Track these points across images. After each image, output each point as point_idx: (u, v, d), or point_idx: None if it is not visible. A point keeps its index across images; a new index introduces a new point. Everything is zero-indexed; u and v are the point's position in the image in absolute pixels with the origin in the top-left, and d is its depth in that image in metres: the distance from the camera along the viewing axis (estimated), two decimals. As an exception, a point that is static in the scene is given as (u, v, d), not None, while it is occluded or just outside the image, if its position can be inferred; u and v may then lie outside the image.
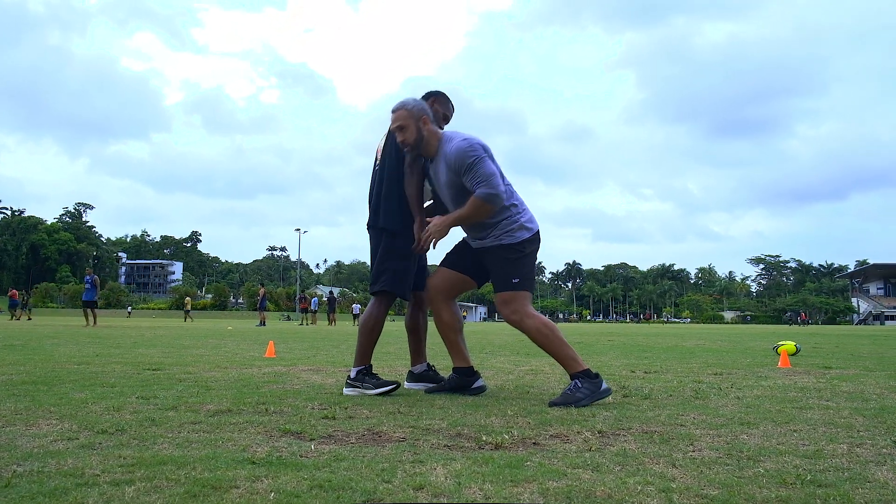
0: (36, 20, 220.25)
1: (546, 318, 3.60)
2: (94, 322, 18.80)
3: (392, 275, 3.68)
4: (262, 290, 28.58)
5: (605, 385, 3.41)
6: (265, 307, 26.87)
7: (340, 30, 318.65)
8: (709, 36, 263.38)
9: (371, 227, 3.81)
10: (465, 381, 3.78)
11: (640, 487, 1.72)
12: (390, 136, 3.74)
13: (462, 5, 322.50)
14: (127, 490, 1.64)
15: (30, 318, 29.87)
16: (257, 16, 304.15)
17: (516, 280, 3.54)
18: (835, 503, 1.60)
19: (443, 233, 3.54)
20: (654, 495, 1.65)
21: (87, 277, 19.66)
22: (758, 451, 2.20)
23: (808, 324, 68.44)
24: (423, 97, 3.97)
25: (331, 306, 32.40)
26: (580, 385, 3.35)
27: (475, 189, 3.42)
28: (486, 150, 3.46)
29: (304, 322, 30.88)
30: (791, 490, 1.72)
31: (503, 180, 3.55)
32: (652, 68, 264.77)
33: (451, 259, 3.84)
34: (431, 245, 3.59)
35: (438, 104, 3.94)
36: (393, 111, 3.60)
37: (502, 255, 3.56)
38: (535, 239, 3.63)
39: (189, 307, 42.37)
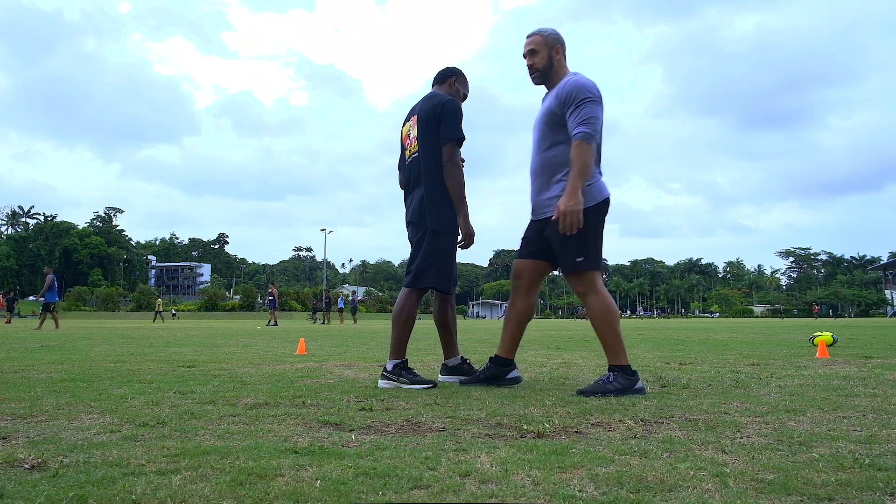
0: (72, 28, 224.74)
1: (613, 303, 3.44)
2: (56, 325, 16.84)
3: (438, 271, 3.70)
4: (272, 289, 27.44)
5: (640, 384, 3.33)
6: (275, 306, 25.93)
7: (368, 30, 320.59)
8: (738, 27, 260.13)
9: (413, 223, 3.81)
10: (499, 370, 3.69)
11: (692, 473, 1.67)
12: (421, 125, 3.73)
13: (489, 4, 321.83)
14: (173, 479, 1.64)
15: (8, 322, 24.61)
16: (286, 18, 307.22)
17: (581, 259, 3.37)
18: (898, 487, 1.54)
19: (576, 201, 3.23)
20: (707, 480, 1.61)
21: (53, 276, 17.40)
22: (809, 437, 2.14)
23: (819, 316, 67.16)
24: (443, 75, 3.99)
25: (353, 307, 32.77)
26: (613, 378, 3.28)
27: (574, 129, 3.27)
28: (602, 100, 3.34)
29: (324, 320, 30.95)
30: (850, 474, 1.66)
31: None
32: (679, 62, 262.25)
33: (525, 248, 3.69)
34: (579, 222, 3.26)
35: (459, 84, 3.98)
36: (528, 36, 3.54)
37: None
38: (600, 208, 3.42)
39: (160, 308, 39.54)
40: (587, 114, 3.27)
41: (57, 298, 17.93)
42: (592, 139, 3.26)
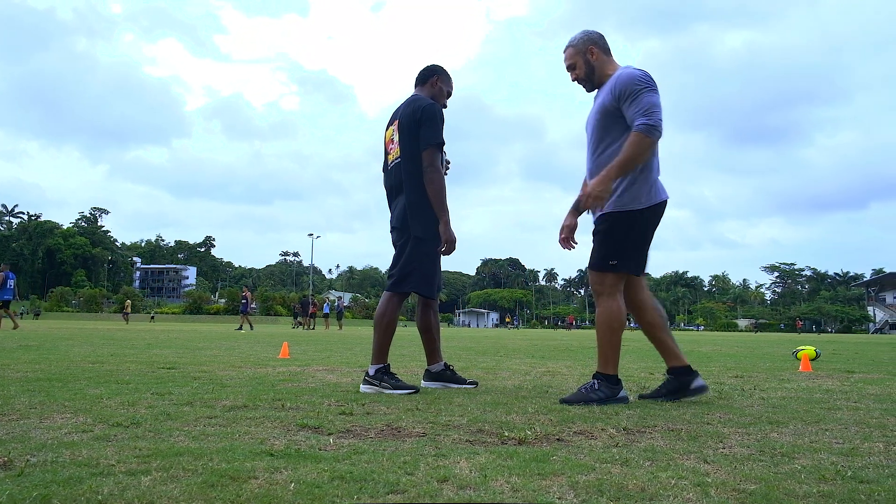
0: (64, 27, 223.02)
1: (622, 311, 3.28)
2: (15, 325, 16.27)
3: (420, 276, 3.68)
4: (246, 293, 26.66)
5: (623, 393, 3.28)
6: (248, 310, 24.99)
7: (362, 37, 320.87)
8: (728, 44, 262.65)
9: (396, 228, 3.78)
10: (683, 381, 3.39)
11: (673, 482, 1.65)
12: (402, 130, 3.71)
13: (481, 13, 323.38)
14: (143, 479, 1.59)
15: None
16: (279, 23, 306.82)
17: (614, 262, 3.24)
18: (880, 498, 1.53)
19: (606, 189, 3.12)
20: (689, 489, 1.58)
21: (7, 273, 16.41)
22: (791, 449, 2.12)
23: (803, 331, 67.67)
24: (424, 75, 3.94)
25: (338, 313, 32.67)
26: (597, 386, 3.23)
27: (634, 120, 3.12)
28: (657, 88, 3.20)
29: (306, 326, 30.72)
30: (832, 485, 1.64)
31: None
32: (669, 77, 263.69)
33: None
34: (600, 207, 3.21)
35: (441, 82, 3.94)
36: (563, 51, 3.47)
37: (608, 226, 3.27)
38: (654, 212, 3.28)
39: (129, 309, 38.63)
40: (646, 103, 3.11)
41: (11, 297, 16.79)
42: (653, 132, 3.09)
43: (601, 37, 3.43)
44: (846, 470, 1.81)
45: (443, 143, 3.66)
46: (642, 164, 3.20)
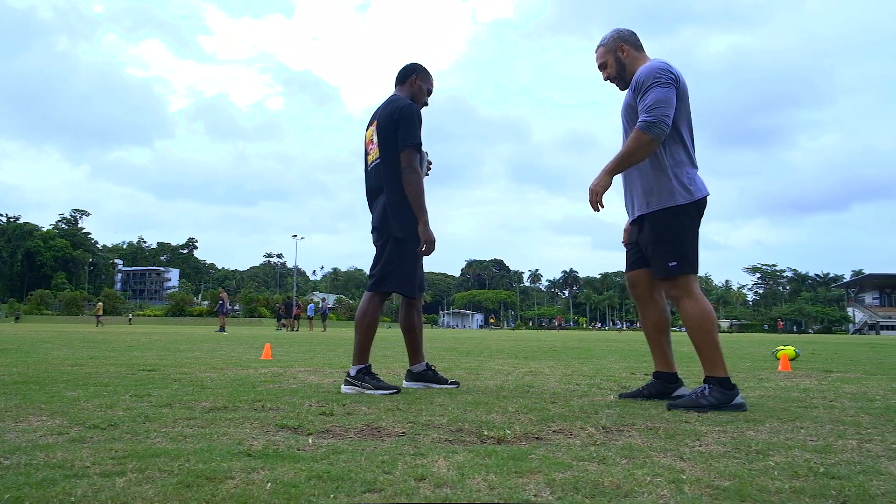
0: (45, 26, 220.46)
1: (710, 309, 3.14)
2: None
3: (401, 275, 3.68)
4: (222, 294, 26.60)
5: (739, 399, 3.06)
6: (225, 311, 25.00)
7: (347, 37, 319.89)
8: (713, 47, 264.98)
9: (377, 229, 3.78)
10: (665, 387, 3.40)
11: (648, 479, 1.66)
12: (380, 131, 3.70)
13: (467, 15, 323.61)
14: (118, 481, 1.58)
15: None
16: (264, 23, 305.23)
17: (673, 264, 3.13)
18: (850, 494, 1.55)
19: (603, 183, 3.12)
20: (664, 486, 1.60)
21: None
22: (766, 446, 2.15)
23: (784, 331, 68.40)
24: (403, 74, 3.92)
25: (323, 315, 32.61)
26: (708, 392, 3.04)
27: (640, 116, 3.08)
28: (677, 80, 3.13)
29: (290, 327, 30.59)
30: (804, 482, 1.66)
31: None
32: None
33: (631, 258, 3.49)
34: (600, 204, 3.16)
35: (420, 80, 3.92)
36: (595, 51, 3.44)
37: (653, 229, 3.19)
38: (697, 207, 3.18)
39: (101, 312, 37.75)
40: (652, 100, 3.06)
41: None
42: (652, 129, 3.05)
43: (632, 34, 3.39)
44: (818, 466, 1.84)
45: (420, 144, 3.66)
46: (643, 159, 3.17)
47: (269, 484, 1.57)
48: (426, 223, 3.66)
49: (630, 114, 3.27)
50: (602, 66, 3.42)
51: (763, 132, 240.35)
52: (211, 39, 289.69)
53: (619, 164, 3.16)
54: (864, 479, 1.69)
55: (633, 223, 3.44)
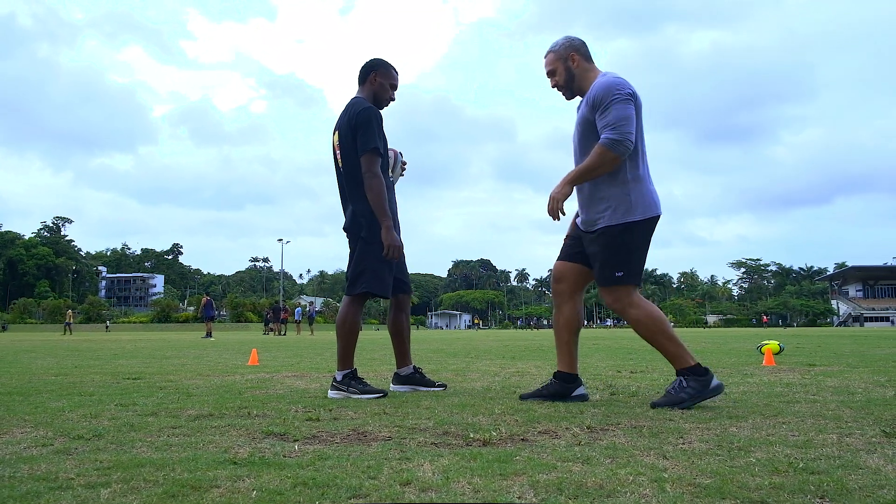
0: (25, 33, 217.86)
1: (654, 309, 3.21)
2: None
3: (371, 275, 3.66)
4: (205, 299, 25.87)
5: (715, 381, 3.11)
6: (210, 317, 24.45)
7: (330, 40, 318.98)
8: (695, 44, 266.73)
9: (348, 232, 3.79)
10: (564, 387, 3.37)
11: (631, 478, 1.68)
12: (342, 137, 3.69)
13: (450, 15, 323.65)
14: (102, 492, 1.58)
15: None
16: (246, 27, 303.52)
17: (620, 274, 3.17)
18: (829, 489, 1.58)
19: (563, 192, 3.16)
20: (646, 485, 1.62)
21: None
22: (748, 443, 2.18)
23: (769, 325, 69.14)
24: (363, 73, 3.86)
25: (310, 318, 32.59)
26: (685, 384, 3.07)
27: (602, 133, 3.09)
28: (634, 97, 3.14)
29: (277, 332, 30.48)
30: (784, 477, 1.69)
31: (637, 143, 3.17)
32: (639, 77, 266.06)
33: (567, 250, 3.45)
34: (560, 212, 3.19)
35: (380, 77, 3.85)
36: (544, 56, 3.41)
37: (605, 241, 3.19)
38: (650, 224, 3.23)
39: (70, 319, 36.67)
40: (614, 118, 3.07)
41: None
42: (617, 146, 3.07)
43: (583, 44, 3.39)
44: (798, 462, 1.86)
45: (379, 148, 3.61)
46: (604, 174, 3.18)
47: (255, 492, 1.58)
48: (389, 228, 3.61)
49: (586, 128, 3.25)
50: (551, 74, 3.40)
51: (746, 128, 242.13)
52: (193, 44, 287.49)
53: (581, 177, 3.19)
54: (842, 474, 1.72)
55: (584, 222, 3.41)
